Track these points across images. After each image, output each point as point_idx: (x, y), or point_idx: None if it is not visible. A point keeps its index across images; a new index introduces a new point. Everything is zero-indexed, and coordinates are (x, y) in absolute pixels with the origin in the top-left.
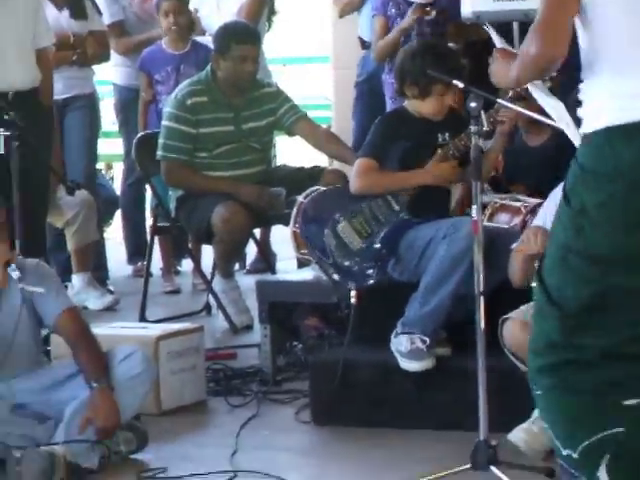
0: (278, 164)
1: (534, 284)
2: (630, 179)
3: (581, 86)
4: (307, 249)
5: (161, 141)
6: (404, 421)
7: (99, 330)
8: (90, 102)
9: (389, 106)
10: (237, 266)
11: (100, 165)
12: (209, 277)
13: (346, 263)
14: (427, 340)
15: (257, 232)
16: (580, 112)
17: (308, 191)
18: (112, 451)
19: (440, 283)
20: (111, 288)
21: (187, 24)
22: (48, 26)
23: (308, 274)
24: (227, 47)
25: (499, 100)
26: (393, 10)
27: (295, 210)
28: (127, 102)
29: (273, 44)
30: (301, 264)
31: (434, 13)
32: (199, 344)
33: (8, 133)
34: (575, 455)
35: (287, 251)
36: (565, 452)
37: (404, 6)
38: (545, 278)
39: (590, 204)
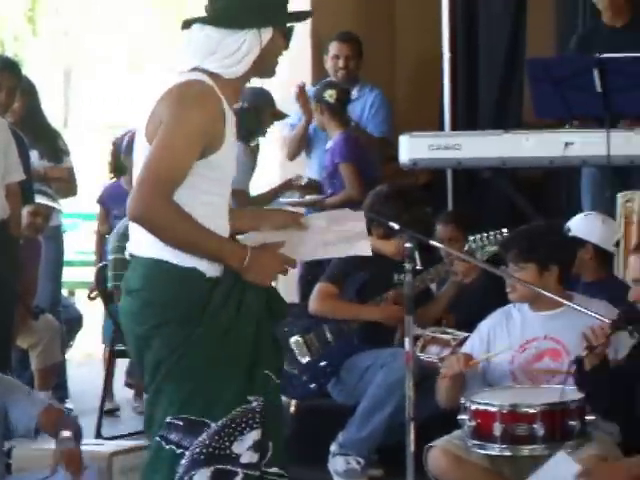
0: None
1: None
2: None
3: None
4: None
5: (110, 273)
6: None
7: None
8: (56, 233)
9: None
10: None
11: (64, 292)
12: None
13: (291, 374)
14: (362, 461)
15: None
16: None
17: None
18: None
19: (376, 409)
20: (70, 406)
21: None
22: (18, 161)
23: None
24: None
25: (433, 243)
26: None
27: None
28: None
29: None
30: None
31: None
32: None
33: None
34: None
35: None
36: None
37: None
38: None
39: None
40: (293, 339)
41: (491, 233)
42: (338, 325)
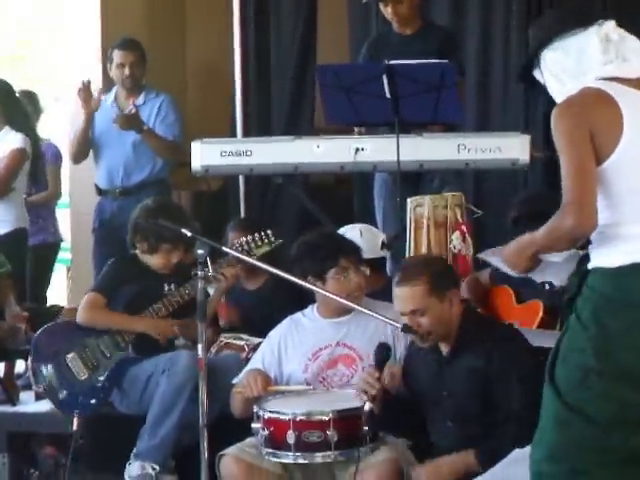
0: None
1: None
2: None
3: (604, 230)
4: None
5: None
6: None
7: None
8: None
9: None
10: None
11: None
12: None
13: (71, 391)
14: (157, 467)
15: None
16: (597, 250)
17: (45, 327)
18: None
19: (165, 415)
20: None
21: None
22: None
23: (45, 405)
24: None
25: (224, 248)
26: None
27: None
28: None
29: None
30: (39, 397)
31: None
32: None
33: None
34: None
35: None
36: None
37: None
38: (565, 396)
39: (616, 329)
40: (69, 356)
41: (263, 234)
42: (114, 338)
